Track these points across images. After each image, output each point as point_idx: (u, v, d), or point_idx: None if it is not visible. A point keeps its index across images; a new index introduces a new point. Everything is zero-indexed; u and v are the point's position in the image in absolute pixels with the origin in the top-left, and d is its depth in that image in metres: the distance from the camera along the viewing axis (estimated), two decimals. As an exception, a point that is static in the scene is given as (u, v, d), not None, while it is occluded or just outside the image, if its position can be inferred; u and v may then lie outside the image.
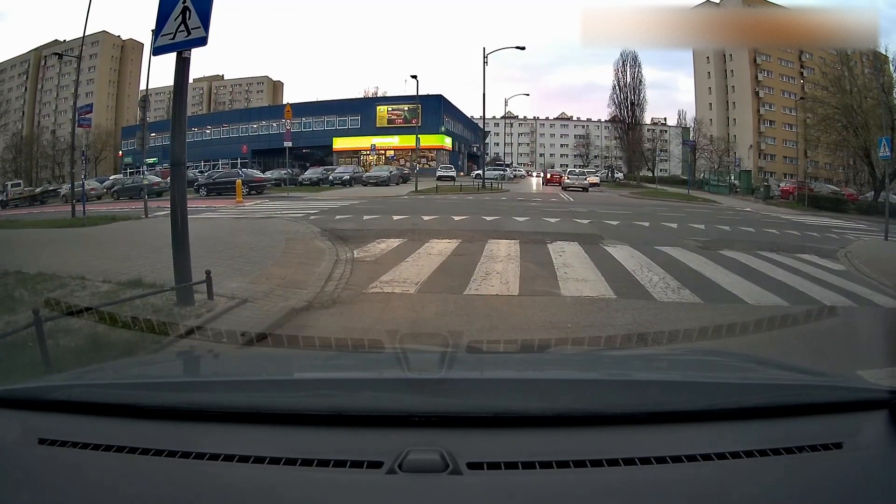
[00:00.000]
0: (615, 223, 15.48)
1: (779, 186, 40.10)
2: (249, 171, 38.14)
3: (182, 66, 6.31)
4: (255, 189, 30.87)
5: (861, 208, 32.77)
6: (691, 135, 68.05)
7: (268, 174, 39.60)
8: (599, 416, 1.34)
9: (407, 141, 48.31)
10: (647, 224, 15.71)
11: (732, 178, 44.16)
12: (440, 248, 9.63)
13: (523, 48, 36.47)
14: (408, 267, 8.01)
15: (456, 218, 15.53)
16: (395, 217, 15.42)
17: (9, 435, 1.36)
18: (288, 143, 30.66)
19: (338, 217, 15.83)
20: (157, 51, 6.46)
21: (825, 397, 1.51)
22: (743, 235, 14.31)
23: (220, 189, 29.94)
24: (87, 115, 21.83)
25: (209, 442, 1.25)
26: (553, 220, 15.98)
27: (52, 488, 1.18)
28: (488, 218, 15.74)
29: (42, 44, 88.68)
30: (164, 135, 64.22)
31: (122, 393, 1.52)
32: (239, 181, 26.37)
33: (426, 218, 15.20)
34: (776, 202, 35.66)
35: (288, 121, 31.51)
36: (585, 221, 15.56)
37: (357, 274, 7.67)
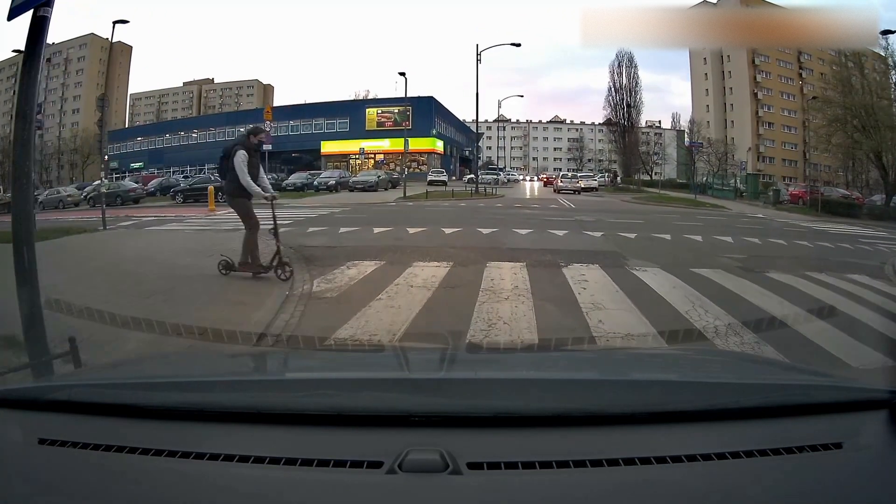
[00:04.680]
0: (632, 236, 13.41)
1: (788, 191, 38.42)
2: (227, 176, 35.95)
3: (37, 30, 4.18)
4: (234, 195, 28.92)
5: (874, 213, 31.37)
6: (686, 137, 66.78)
7: (250, 179, 37.64)
8: (600, 415, 1.32)
9: (397, 144, 46.36)
10: (668, 237, 13.65)
11: (738, 181, 42.30)
12: (426, 277, 7.51)
13: (518, 45, 34.70)
14: (380, 309, 5.88)
15: (447, 231, 13.44)
16: (377, 229, 13.30)
17: (9, 435, 1.36)
18: (268, 147, 28.60)
19: (311, 229, 13.75)
20: (12, 13, 4.37)
21: (825, 397, 1.50)
22: (778, 250, 12.56)
23: (197, 195, 28.47)
24: (39, 117, 19.47)
25: (209, 442, 1.23)
26: (560, 232, 13.87)
27: (52, 488, 1.17)
28: (484, 231, 13.62)
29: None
30: (150, 138, 62.21)
31: (122, 393, 1.50)
32: (211, 188, 24.24)
33: (412, 231, 13.07)
34: (786, 207, 34.10)
35: (268, 122, 29.44)
36: (598, 234, 13.41)
37: (309, 320, 5.55)
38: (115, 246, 11.11)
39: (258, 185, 7.52)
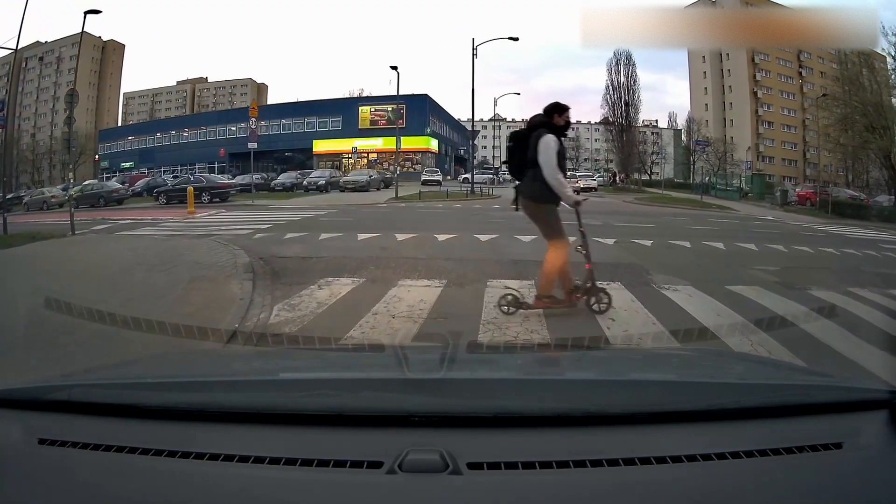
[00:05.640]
0: (648, 244, 12.04)
1: (795, 191, 37.41)
2: (211, 176, 34.79)
3: None
4: (219, 196, 27.96)
5: (882, 215, 30.40)
6: (683, 136, 65.90)
7: (237, 179, 36.53)
8: (599, 416, 1.30)
9: (391, 143, 45.24)
10: (688, 245, 12.30)
11: (742, 181, 41.22)
12: (412, 302, 6.07)
13: (516, 39, 33.54)
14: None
15: (441, 237, 12.05)
16: (362, 236, 11.92)
17: (9, 435, 1.33)
18: (253, 145, 27.32)
19: (289, 235, 12.39)
20: None
21: (825, 397, 1.48)
22: (807, 260, 11.32)
23: (181, 196, 27.42)
24: (2, 113, 18.16)
25: (209, 442, 1.22)
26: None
27: (52, 488, 1.16)
28: (483, 237, 12.21)
29: (23, 45, 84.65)
30: (141, 137, 60.80)
31: (122, 393, 1.49)
32: (190, 189, 22.95)
33: (401, 237, 11.69)
34: (794, 209, 33.23)
35: (253, 119, 28.06)
36: (610, 242, 11.92)
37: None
38: (68, 257, 9.82)
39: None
